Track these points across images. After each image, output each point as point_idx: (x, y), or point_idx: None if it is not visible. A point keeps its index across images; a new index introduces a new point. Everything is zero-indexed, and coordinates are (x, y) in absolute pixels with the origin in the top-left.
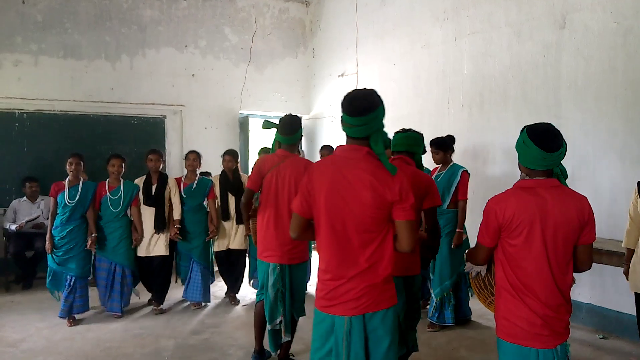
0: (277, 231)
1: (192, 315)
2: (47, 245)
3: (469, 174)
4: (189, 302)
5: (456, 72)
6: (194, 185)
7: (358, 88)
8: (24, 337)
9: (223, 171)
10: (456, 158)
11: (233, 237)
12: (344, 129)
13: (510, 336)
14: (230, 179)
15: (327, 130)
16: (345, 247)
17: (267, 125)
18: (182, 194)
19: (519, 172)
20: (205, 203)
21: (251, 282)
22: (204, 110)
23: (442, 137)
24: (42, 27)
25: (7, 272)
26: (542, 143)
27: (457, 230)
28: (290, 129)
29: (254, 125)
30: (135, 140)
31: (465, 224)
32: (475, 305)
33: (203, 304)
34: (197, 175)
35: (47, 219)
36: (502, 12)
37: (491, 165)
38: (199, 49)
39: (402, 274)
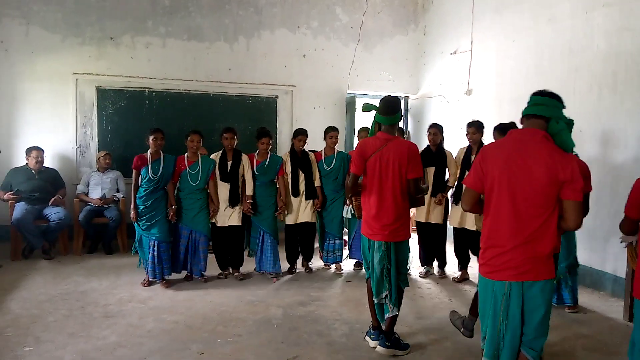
0: (380, 214)
1: (299, 287)
2: (132, 214)
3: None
4: (266, 272)
5: (585, 49)
6: (267, 162)
7: None
8: (152, 295)
9: (292, 149)
10: (582, 144)
11: (303, 211)
12: (527, 109)
13: None
14: (300, 157)
15: (436, 110)
16: (512, 220)
17: (367, 107)
18: (255, 170)
19: None
20: (275, 179)
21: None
22: (313, 90)
23: None
24: (170, 12)
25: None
26: None
27: None
28: (390, 109)
29: (361, 105)
30: (250, 119)
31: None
32: (592, 302)
33: (277, 274)
34: (268, 154)
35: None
36: None
37: (623, 151)
38: (311, 29)
39: None
